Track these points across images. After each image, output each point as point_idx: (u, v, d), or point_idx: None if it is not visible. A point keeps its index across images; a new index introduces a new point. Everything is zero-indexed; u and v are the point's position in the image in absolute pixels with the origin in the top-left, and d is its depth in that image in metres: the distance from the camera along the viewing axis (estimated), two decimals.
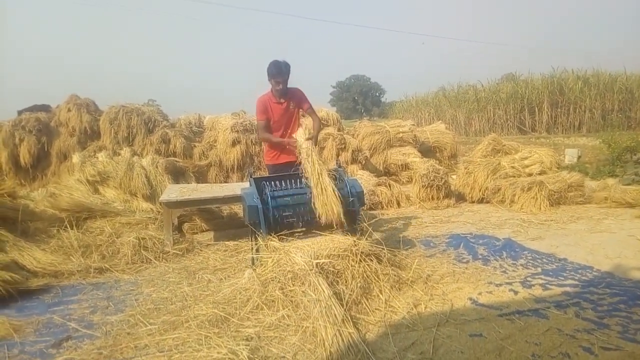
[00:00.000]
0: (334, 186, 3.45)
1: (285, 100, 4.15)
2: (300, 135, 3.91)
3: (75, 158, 6.77)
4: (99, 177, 5.96)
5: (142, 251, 4.21)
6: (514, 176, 6.42)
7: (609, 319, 2.57)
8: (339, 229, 3.52)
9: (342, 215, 3.38)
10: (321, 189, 3.44)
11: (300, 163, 3.68)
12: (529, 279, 3.27)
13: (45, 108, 8.64)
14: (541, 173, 6.59)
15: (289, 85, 4.15)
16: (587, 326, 2.48)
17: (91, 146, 7.75)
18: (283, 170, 4.03)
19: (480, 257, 3.86)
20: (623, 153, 7.75)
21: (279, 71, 4.00)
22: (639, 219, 4.90)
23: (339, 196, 3.42)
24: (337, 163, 4.11)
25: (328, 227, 3.55)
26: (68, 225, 4.56)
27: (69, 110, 8.11)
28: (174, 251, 4.35)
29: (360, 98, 47.50)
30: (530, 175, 6.51)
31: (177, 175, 7.00)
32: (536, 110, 19.11)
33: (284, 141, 4.09)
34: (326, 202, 3.38)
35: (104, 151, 7.11)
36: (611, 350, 2.21)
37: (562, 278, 3.26)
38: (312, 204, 3.43)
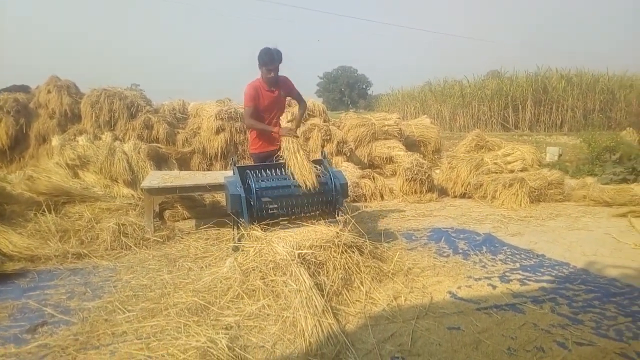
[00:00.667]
0: (307, 156, 3.65)
1: (276, 89, 4.11)
2: (282, 119, 3.91)
3: (55, 141, 6.61)
4: (79, 161, 5.83)
5: (121, 237, 4.15)
6: (496, 172, 6.50)
7: (583, 315, 2.63)
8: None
9: (315, 179, 3.54)
10: (295, 159, 3.59)
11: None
12: (507, 274, 3.32)
13: (24, 89, 8.39)
14: (523, 170, 6.68)
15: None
16: (562, 321, 2.54)
17: (71, 129, 7.55)
18: (268, 160, 4.02)
19: (460, 251, 3.90)
20: (602, 153, 7.89)
21: (271, 59, 3.93)
22: (616, 218, 5.02)
23: (311, 163, 3.64)
24: (322, 154, 4.10)
25: (311, 218, 3.55)
26: (46, 209, 4.47)
27: (49, 91, 7.88)
28: (155, 238, 4.30)
29: (346, 90, 47.46)
30: (512, 171, 6.60)
31: (160, 161, 6.89)
32: (520, 107, 19.33)
33: (270, 129, 4.03)
34: (301, 169, 3.55)
35: (85, 135, 6.94)
36: (584, 346, 2.27)
37: (540, 274, 3.32)
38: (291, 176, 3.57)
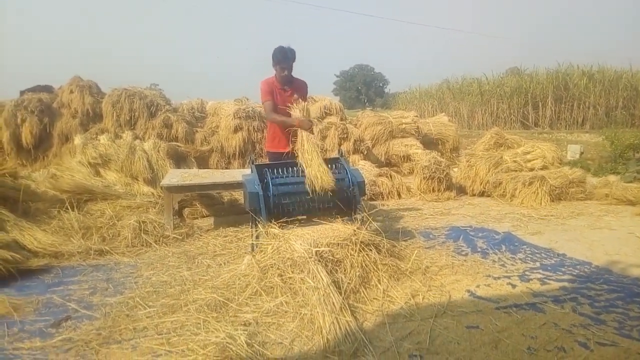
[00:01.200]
0: (321, 158, 3.60)
1: (290, 89, 4.09)
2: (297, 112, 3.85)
3: (77, 140, 6.75)
4: (101, 160, 5.95)
5: (142, 234, 4.22)
6: (516, 170, 6.41)
7: (605, 315, 2.58)
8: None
9: (331, 183, 3.47)
10: (310, 160, 3.56)
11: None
12: (527, 273, 3.28)
13: (47, 89, 8.60)
14: (543, 168, 6.58)
15: (296, 76, 4.12)
16: (584, 321, 2.49)
17: (93, 128, 7.72)
18: (282, 159, 4.01)
19: (479, 250, 3.87)
20: (626, 150, 7.73)
21: (284, 57, 3.94)
22: (639, 217, 4.90)
23: (326, 165, 3.59)
24: (339, 152, 4.10)
25: (328, 215, 3.56)
26: (69, 207, 4.56)
27: (71, 91, 8.07)
28: (174, 235, 4.37)
29: (363, 88, 47.30)
30: (532, 170, 6.50)
31: (179, 160, 7.00)
32: (540, 105, 18.99)
33: (292, 122, 3.82)
34: (317, 171, 3.50)
35: (106, 134, 7.09)
36: (607, 346, 2.23)
37: (561, 273, 3.27)
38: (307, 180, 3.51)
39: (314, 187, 3.45)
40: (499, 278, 3.17)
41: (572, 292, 2.91)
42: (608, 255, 3.66)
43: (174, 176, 4.96)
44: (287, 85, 4.07)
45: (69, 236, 4.15)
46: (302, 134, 3.71)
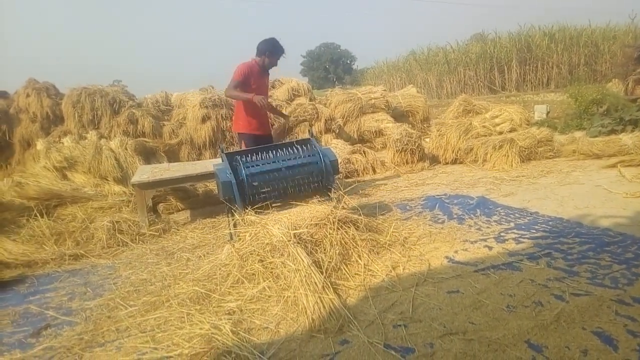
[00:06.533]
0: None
1: (266, 76, 4.62)
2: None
3: (40, 145, 6.51)
4: (66, 163, 5.76)
5: (117, 235, 4.14)
6: (486, 135, 6.51)
7: (578, 267, 2.66)
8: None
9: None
10: None
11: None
12: (502, 234, 3.35)
13: (2, 95, 8.22)
14: (511, 131, 6.70)
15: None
16: (559, 275, 2.57)
17: (55, 131, 7.45)
18: (258, 143, 4.10)
19: (455, 216, 3.93)
20: (589, 106, 7.92)
21: (279, 50, 4.42)
22: (606, 169, 5.06)
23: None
24: (309, 133, 4.08)
25: (304, 198, 3.56)
26: (38, 214, 4.44)
27: (27, 95, 7.74)
28: (151, 232, 4.30)
29: (331, 66, 47.03)
30: (501, 133, 6.62)
31: (148, 155, 6.83)
32: (505, 69, 19.27)
33: (249, 97, 4.18)
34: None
35: (69, 136, 6.86)
36: (581, 296, 2.30)
37: (534, 231, 3.35)
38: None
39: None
40: (475, 242, 3.24)
41: (546, 248, 2.99)
42: (578, 209, 3.77)
43: (144, 172, 4.86)
44: (265, 72, 4.55)
45: (41, 244, 4.04)
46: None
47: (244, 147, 4.33)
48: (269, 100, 4.57)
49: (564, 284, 2.46)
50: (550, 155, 6.06)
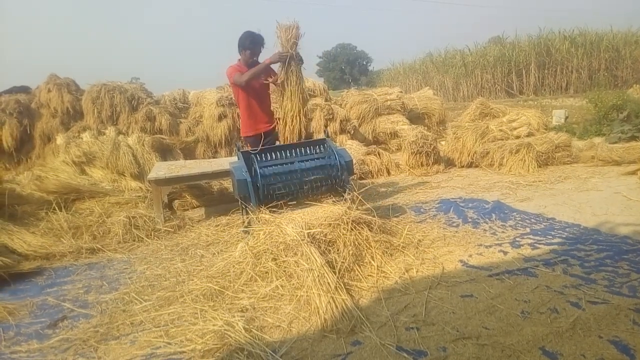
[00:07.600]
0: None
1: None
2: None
3: (59, 139, 6.66)
4: (85, 158, 5.86)
5: (133, 230, 4.20)
6: (502, 139, 6.45)
7: (595, 274, 2.62)
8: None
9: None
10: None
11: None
12: (517, 239, 3.32)
13: (24, 89, 8.40)
14: (529, 135, 6.62)
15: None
16: (575, 282, 2.54)
17: (75, 127, 7.58)
18: (263, 140, 4.06)
19: (470, 220, 3.90)
20: (609, 112, 7.78)
21: (255, 43, 4.01)
22: (625, 176, 4.97)
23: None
24: (325, 133, 4.08)
25: (318, 197, 3.57)
26: (56, 207, 4.52)
27: (49, 90, 7.90)
28: (166, 228, 4.35)
29: (347, 67, 46.92)
30: (518, 137, 6.54)
31: (165, 152, 6.92)
32: (523, 72, 19.00)
33: (262, 64, 3.96)
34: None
35: (88, 131, 6.99)
36: (598, 304, 2.27)
37: (550, 237, 3.31)
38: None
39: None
40: (490, 246, 3.21)
41: (563, 254, 2.95)
42: (596, 216, 3.71)
43: (160, 169, 4.92)
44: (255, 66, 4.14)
45: (59, 237, 4.12)
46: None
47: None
48: (270, 99, 4.37)
49: (580, 291, 2.42)
50: (568, 161, 5.97)
